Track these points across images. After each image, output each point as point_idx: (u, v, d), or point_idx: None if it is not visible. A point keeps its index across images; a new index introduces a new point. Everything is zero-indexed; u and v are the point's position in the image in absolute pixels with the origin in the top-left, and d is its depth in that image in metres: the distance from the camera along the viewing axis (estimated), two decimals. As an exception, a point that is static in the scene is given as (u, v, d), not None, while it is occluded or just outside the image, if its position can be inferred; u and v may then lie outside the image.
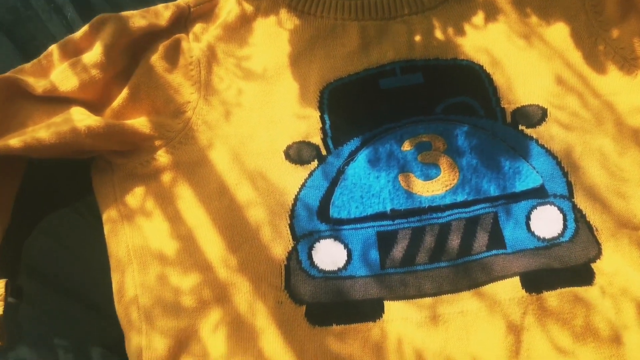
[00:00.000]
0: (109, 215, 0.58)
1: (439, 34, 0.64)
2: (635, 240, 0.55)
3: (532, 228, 0.56)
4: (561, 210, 0.56)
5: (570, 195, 0.57)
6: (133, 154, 0.60)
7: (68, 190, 0.64)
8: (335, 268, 0.56)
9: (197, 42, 0.64)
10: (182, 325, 0.53)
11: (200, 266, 0.56)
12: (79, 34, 0.62)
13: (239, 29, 0.65)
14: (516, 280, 0.54)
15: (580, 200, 0.57)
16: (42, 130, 0.57)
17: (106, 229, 0.58)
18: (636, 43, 0.61)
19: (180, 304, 0.54)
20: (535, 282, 0.53)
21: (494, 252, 0.55)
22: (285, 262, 0.56)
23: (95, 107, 0.61)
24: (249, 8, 0.65)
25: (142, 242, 0.57)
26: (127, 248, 0.56)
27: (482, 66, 0.62)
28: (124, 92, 0.61)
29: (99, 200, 0.59)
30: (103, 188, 0.59)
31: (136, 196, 0.59)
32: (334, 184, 0.58)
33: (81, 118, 0.57)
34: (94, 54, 0.60)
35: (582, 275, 0.54)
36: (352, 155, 0.59)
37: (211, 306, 0.54)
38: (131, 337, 0.53)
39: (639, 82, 0.61)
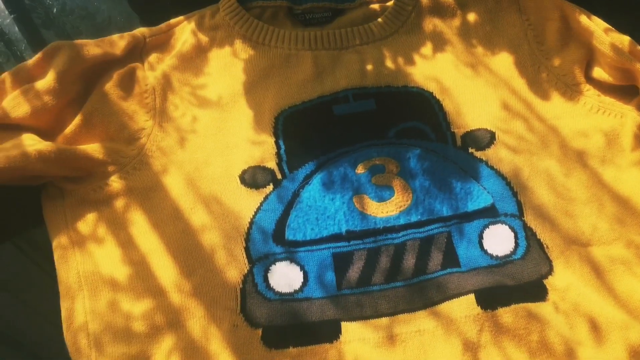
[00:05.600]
0: (59, 242, 0.57)
1: (389, 63, 0.66)
2: (585, 256, 0.56)
3: (485, 246, 0.57)
4: (512, 228, 0.57)
5: (520, 215, 0.58)
6: (85, 180, 0.59)
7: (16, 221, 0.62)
8: (292, 290, 0.55)
9: (152, 71, 0.64)
10: (133, 352, 0.52)
11: (153, 291, 0.54)
12: (31, 61, 0.62)
13: (194, 58, 0.66)
14: (471, 297, 0.54)
15: (530, 219, 0.58)
16: (-10, 155, 0.56)
17: (56, 255, 0.56)
18: (577, 70, 0.65)
19: (131, 330, 0.53)
20: (490, 299, 0.54)
21: (448, 270, 0.56)
22: (241, 286, 0.55)
23: (47, 134, 0.60)
24: (204, 39, 0.67)
25: (93, 268, 0.55)
26: (78, 274, 0.55)
27: (432, 93, 0.64)
28: (77, 119, 0.60)
29: (49, 227, 0.58)
30: (53, 215, 0.58)
31: (88, 222, 0.57)
32: (289, 207, 0.59)
33: (32, 143, 0.57)
34: (46, 81, 0.60)
35: (535, 291, 0.55)
36: (307, 179, 0.60)
37: (164, 332, 0.53)
38: (80, 365, 0.51)
39: (581, 106, 0.64)
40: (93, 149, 0.59)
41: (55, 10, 0.77)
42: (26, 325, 0.59)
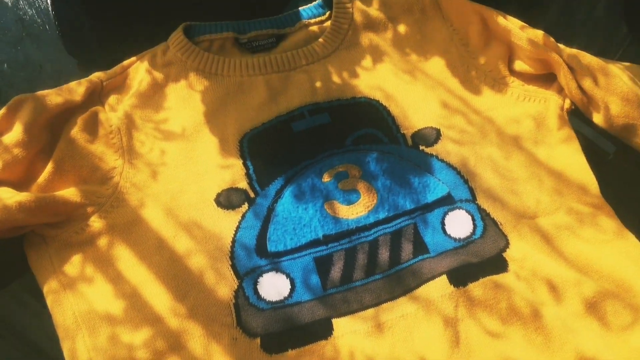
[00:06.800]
0: (49, 287, 0.58)
1: (336, 78, 0.72)
2: (534, 227, 0.63)
3: (448, 231, 0.63)
4: (469, 212, 0.64)
5: (473, 199, 0.65)
6: (66, 224, 0.61)
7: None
8: (281, 297, 0.59)
9: (113, 112, 0.67)
10: (142, 379, 0.54)
11: (150, 319, 0.57)
12: (-5, 117, 0.63)
13: (153, 95, 0.69)
14: (444, 278, 0.60)
15: (483, 201, 0.65)
16: (-30, 213, 0.57)
17: (49, 300, 0.58)
18: (501, 65, 0.72)
19: (136, 359, 0.55)
20: (460, 277, 0.60)
21: (419, 257, 0.61)
22: (234, 301, 0.59)
23: (20, 185, 0.61)
24: (159, 76, 0.70)
25: (88, 307, 0.57)
26: (74, 315, 0.57)
27: (379, 101, 0.70)
28: (49, 167, 0.62)
29: (36, 274, 0.59)
30: (39, 262, 0.59)
31: (75, 264, 0.59)
32: (266, 221, 0.63)
33: (10, 195, 0.58)
34: (14, 134, 0.62)
35: (497, 264, 0.61)
36: (279, 194, 0.64)
37: (167, 356, 0.55)
38: (92, 400, 0.53)
39: (509, 96, 0.71)
40: (70, 193, 0.61)
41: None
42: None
